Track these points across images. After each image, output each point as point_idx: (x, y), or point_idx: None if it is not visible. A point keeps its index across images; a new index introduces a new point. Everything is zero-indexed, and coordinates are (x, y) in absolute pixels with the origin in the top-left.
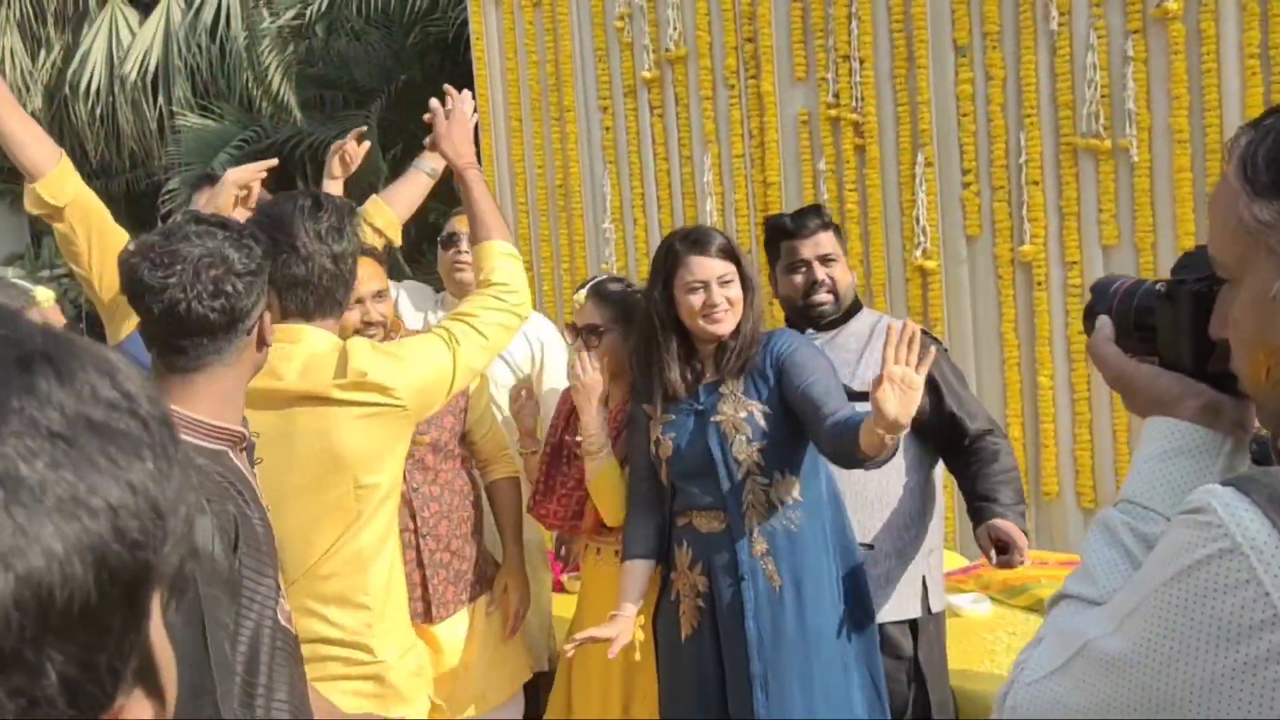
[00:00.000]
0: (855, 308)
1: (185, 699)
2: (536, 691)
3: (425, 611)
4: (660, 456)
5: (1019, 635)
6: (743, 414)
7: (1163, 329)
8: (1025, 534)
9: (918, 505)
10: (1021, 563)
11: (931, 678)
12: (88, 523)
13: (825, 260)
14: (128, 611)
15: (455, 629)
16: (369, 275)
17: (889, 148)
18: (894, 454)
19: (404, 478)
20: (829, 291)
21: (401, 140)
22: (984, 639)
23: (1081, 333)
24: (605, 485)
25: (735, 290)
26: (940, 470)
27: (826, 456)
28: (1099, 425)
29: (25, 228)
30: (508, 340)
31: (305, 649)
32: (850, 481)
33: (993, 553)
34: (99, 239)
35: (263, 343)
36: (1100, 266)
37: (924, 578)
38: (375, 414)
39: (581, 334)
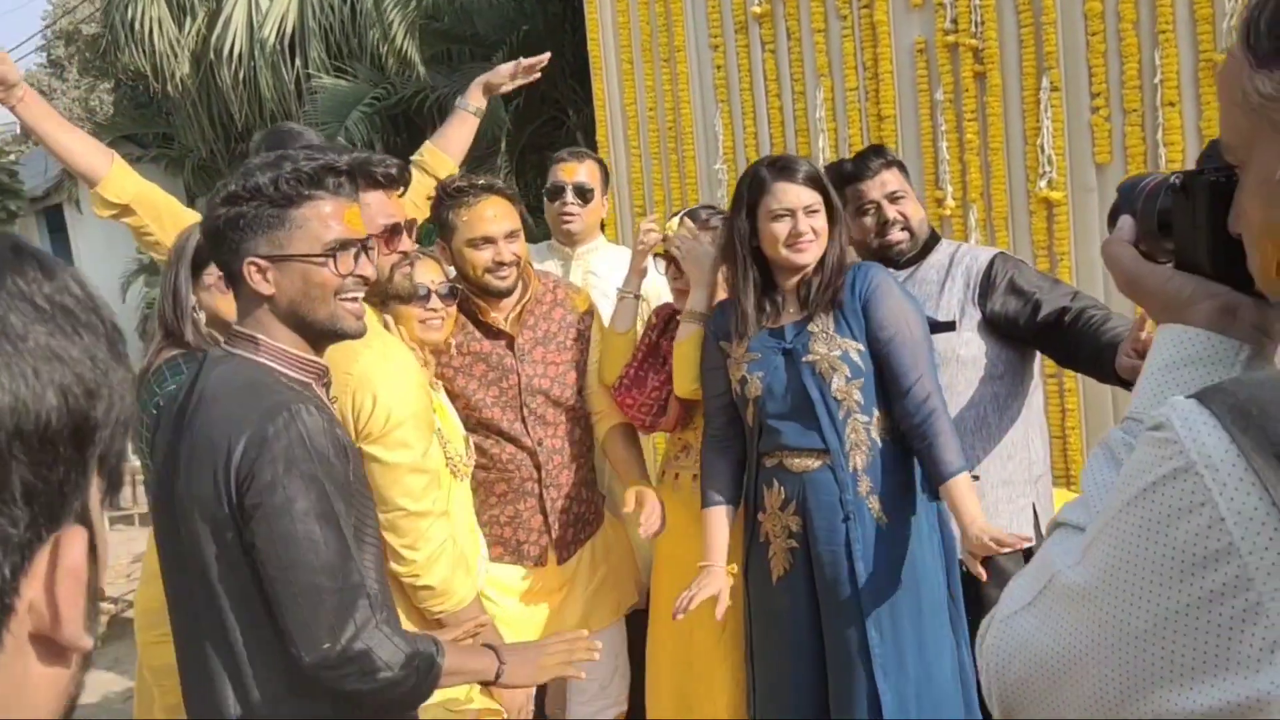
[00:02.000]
0: (932, 241)
1: (336, 594)
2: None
3: (541, 555)
4: (747, 396)
5: None
6: (837, 352)
7: (1179, 226)
8: None
9: (1020, 432)
10: None
11: None
12: (57, 369)
13: (894, 198)
14: (74, 450)
15: (569, 564)
16: (501, 214)
17: (1011, 73)
18: None
19: (527, 431)
20: (903, 229)
21: (523, 91)
22: None
23: None
24: (690, 349)
25: (821, 221)
26: (1041, 396)
27: (901, 427)
28: None
29: (181, 189)
30: None
31: None
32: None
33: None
34: (174, 225)
35: (259, 295)
36: None
37: (1034, 505)
38: None
39: (676, 262)
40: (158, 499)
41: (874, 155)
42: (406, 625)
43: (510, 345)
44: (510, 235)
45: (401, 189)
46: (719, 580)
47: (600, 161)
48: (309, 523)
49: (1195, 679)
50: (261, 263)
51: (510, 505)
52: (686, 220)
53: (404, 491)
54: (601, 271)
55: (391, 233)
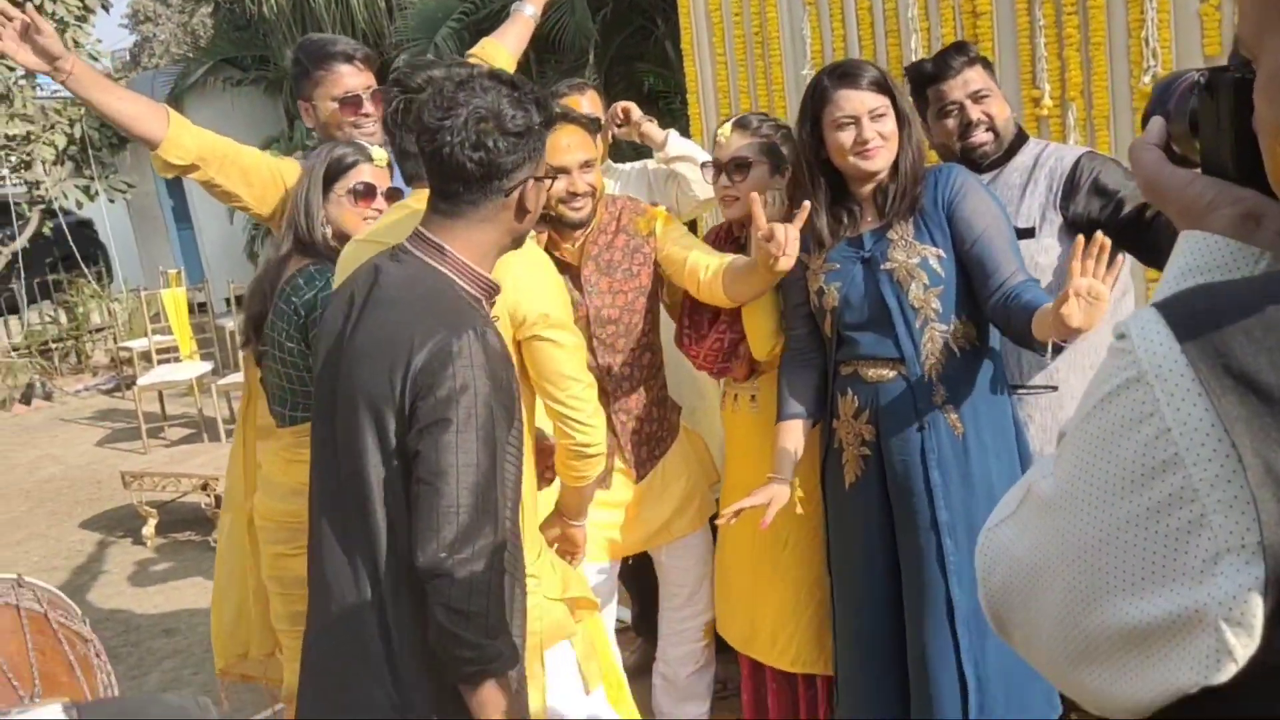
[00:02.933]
0: (1019, 141)
1: (471, 512)
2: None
3: (605, 478)
4: (825, 307)
5: None
6: (916, 259)
7: (1205, 126)
8: None
9: (1097, 339)
10: None
11: None
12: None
13: (977, 97)
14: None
15: (651, 480)
16: (576, 144)
17: None
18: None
19: (595, 359)
20: (987, 130)
21: (611, 1)
22: None
23: None
24: (759, 312)
25: (889, 125)
26: (1132, 301)
27: (994, 325)
28: None
29: (281, 111)
30: None
31: None
32: None
33: None
34: (239, 171)
35: (523, 211)
36: None
37: None
38: None
39: (726, 169)
40: (319, 396)
41: (956, 53)
42: None
43: (577, 279)
44: (585, 165)
45: None
46: (772, 491)
47: (596, 87)
48: (471, 441)
49: (1144, 588)
50: (533, 184)
51: None
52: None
53: (580, 368)
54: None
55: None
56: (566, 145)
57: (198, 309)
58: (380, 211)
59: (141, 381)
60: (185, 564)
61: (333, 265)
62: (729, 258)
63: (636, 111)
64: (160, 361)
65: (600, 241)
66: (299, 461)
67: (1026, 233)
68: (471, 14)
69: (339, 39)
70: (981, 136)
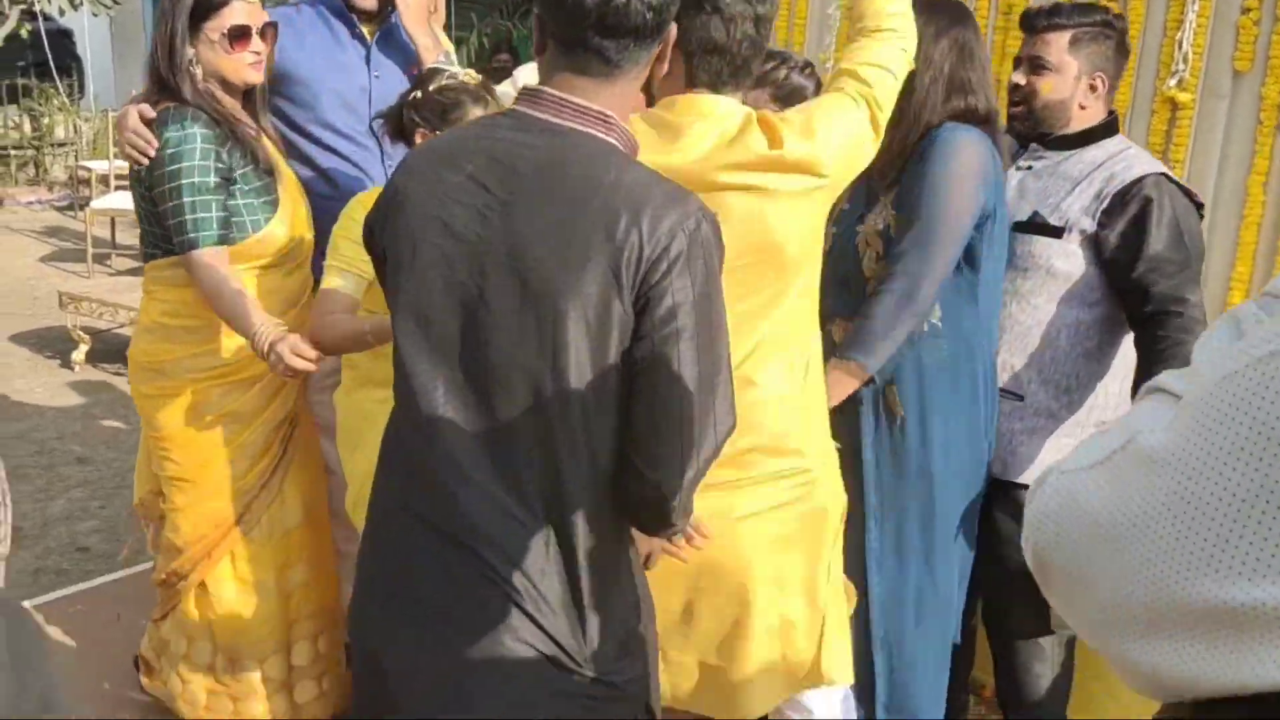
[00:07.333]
0: (1105, 132)
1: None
2: None
3: None
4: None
5: None
6: (882, 225)
7: None
8: None
9: (1088, 367)
10: None
11: None
12: None
13: (1034, 65)
14: None
15: None
16: None
17: None
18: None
19: None
20: (1019, 103)
21: None
22: None
23: None
24: None
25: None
26: (1128, 384)
27: None
28: None
29: None
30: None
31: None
32: (1012, 323)
33: None
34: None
35: (660, 60)
36: None
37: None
38: (803, 194)
39: None
40: (444, 314)
41: (1054, 12)
42: None
43: None
44: None
45: None
46: None
47: None
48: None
49: (1263, 570)
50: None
51: None
52: None
53: None
54: None
55: None
56: None
57: None
58: (259, 54)
59: (95, 204)
60: (110, 398)
61: (194, 110)
62: None
63: None
64: (118, 187)
65: None
66: (156, 299)
67: (1054, 230)
68: None
69: None
70: (1013, 108)
